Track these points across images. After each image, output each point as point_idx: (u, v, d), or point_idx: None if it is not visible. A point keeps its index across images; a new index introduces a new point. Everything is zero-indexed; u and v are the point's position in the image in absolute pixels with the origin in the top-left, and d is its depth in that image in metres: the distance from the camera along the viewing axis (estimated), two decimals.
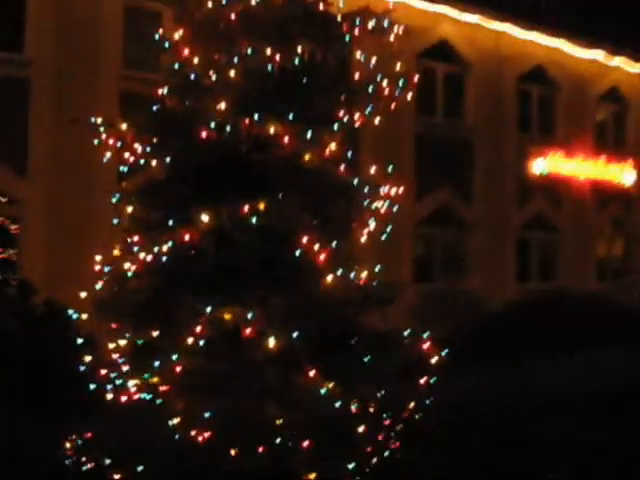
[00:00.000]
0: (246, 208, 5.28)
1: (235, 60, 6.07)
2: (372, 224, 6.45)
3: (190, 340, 5.09)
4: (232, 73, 6.05)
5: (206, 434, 5.09)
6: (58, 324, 8.81)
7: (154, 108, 6.48)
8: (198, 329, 5.06)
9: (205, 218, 5.27)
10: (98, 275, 6.29)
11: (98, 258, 6.32)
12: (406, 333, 6.36)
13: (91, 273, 6.40)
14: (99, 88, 14.05)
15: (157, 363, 5.27)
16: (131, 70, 14.66)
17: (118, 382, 6.06)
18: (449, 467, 6.61)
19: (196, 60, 6.28)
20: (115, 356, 6.19)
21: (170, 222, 5.37)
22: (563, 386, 9.09)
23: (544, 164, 21.45)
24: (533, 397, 8.65)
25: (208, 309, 5.14)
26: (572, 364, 9.87)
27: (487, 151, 20.28)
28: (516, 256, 21.02)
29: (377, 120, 6.74)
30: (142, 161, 6.26)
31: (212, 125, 5.57)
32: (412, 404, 6.06)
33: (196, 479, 5.11)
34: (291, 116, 5.70)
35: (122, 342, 6.13)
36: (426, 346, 6.28)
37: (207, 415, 5.10)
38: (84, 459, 5.75)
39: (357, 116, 6.50)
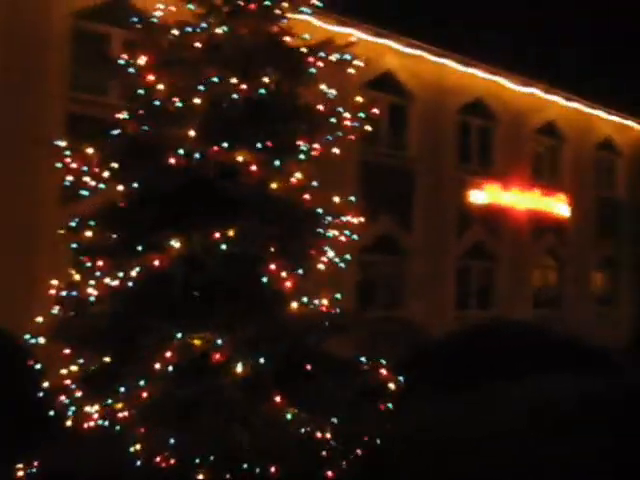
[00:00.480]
0: (217, 235, 5.31)
1: (201, 88, 6.13)
2: (331, 252, 6.56)
3: (158, 365, 5.08)
4: (198, 100, 6.11)
5: (171, 460, 5.06)
6: (6, 349, 8.62)
7: (114, 132, 6.49)
8: (168, 354, 5.06)
9: (176, 244, 5.28)
10: (54, 299, 6.23)
11: (54, 282, 6.27)
12: (363, 360, 6.46)
13: (42, 297, 6.34)
14: (46, 110, 13.87)
15: (122, 389, 5.23)
16: (79, 92, 14.52)
17: (72, 409, 5.99)
18: None
19: (161, 86, 6.32)
20: (68, 382, 6.14)
21: (139, 247, 5.36)
22: (508, 412, 9.32)
23: (483, 195, 21.96)
24: (479, 426, 8.83)
25: (177, 334, 5.14)
26: (517, 390, 10.11)
27: (428, 181, 20.66)
28: (455, 284, 21.39)
29: (337, 150, 6.88)
30: (102, 185, 6.26)
31: (181, 152, 5.60)
32: (370, 431, 6.14)
33: None
34: (259, 145, 5.77)
35: (74, 368, 6.09)
36: (384, 373, 6.40)
37: (172, 441, 5.07)
38: None
39: (317, 146, 6.63)
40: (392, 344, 13.26)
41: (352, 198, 6.44)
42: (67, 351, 6.16)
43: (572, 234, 24.87)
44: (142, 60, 6.54)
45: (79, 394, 5.95)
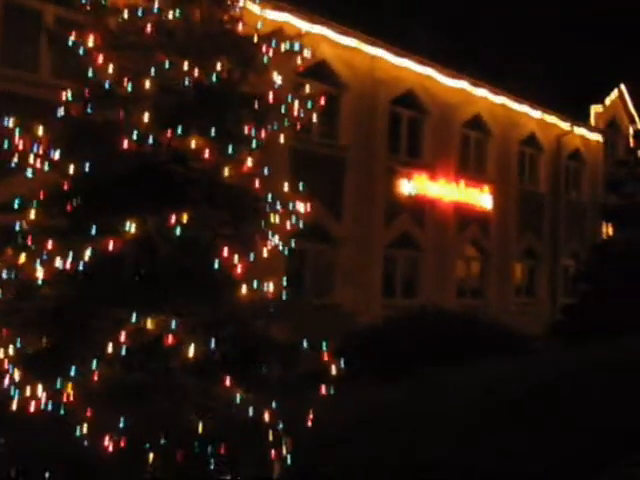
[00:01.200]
0: (172, 219, 5.37)
1: (152, 72, 6.14)
2: (276, 239, 6.66)
3: (110, 348, 5.11)
4: (148, 85, 6.11)
5: (120, 442, 5.12)
6: None
7: (59, 113, 6.43)
8: (122, 337, 5.10)
9: (131, 227, 5.31)
10: None
11: None
12: (305, 344, 6.59)
13: None
14: None
15: (72, 371, 5.23)
16: (9, 69, 14.21)
17: (16, 392, 5.95)
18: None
19: (110, 69, 6.30)
20: (6, 365, 6.09)
21: (92, 229, 5.36)
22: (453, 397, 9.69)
23: (411, 185, 22.37)
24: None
25: (132, 317, 5.18)
26: (452, 376, 10.48)
27: (358, 170, 20.95)
28: (382, 273, 21.76)
29: (282, 139, 6.99)
30: (46, 167, 6.21)
31: (134, 136, 5.62)
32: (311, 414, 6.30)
33: None
34: (213, 131, 5.83)
35: (13, 349, 6.04)
36: (325, 357, 6.55)
37: (121, 424, 5.12)
38: None
39: (263, 133, 6.72)
40: (323, 330, 13.42)
41: (300, 185, 6.55)
42: (6, 333, 6.10)
43: (495, 226, 25.61)
44: (90, 41, 6.49)
45: (21, 377, 5.92)
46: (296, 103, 6.71)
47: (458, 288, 24.36)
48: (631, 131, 29.81)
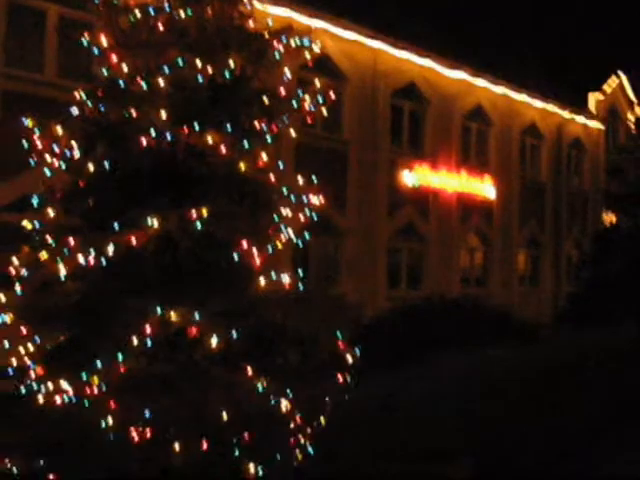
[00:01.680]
0: (192, 214, 5.49)
1: (166, 70, 6.25)
2: (290, 231, 6.78)
3: (135, 340, 5.24)
4: (162, 82, 6.23)
5: (147, 432, 5.25)
6: None
7: (74, 112, 6.55)
8: (147, 329, 5.22)
9: (153, 222, 5.42)
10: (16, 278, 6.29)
11: (16, 261, 6.32)
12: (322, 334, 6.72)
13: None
14: None
15: (98, 363, 5.36)
16: (13, 69, 14.30)
17: (36, 386, 6.09)
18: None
19: (124, 67, 6.41)
20: (28, 360, 6.24)
21: (115, 225, 5.48)
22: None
23: (414, 176, 22.47)
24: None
25: (154, 310, 5.30)
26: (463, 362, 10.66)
27: (361, 162, 21.06)
28: (386, 264, 21.88)
29: (292, 132, 7.10)
30: (63, 166, 6.33)
31: (152, 133, 5.73)
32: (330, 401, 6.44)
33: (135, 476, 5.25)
34: (228, 127, 5.95)
35: (31, 347, 6.18)
36: (341, 346, 6.69)
37: (148, 414, 5.25)
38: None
39: (275, 128, 6.84)
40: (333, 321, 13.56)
41: (314, 178, 6.67)
42: (28, 329, 6.23)
43: (498, 215, 25.72)
44: (104, 41, 6.61)
45: (44, 372, 6.05)
46: (307, 97, 6.83)
47: (462, 278, 24.48)
48: (632, 118, 29.88)
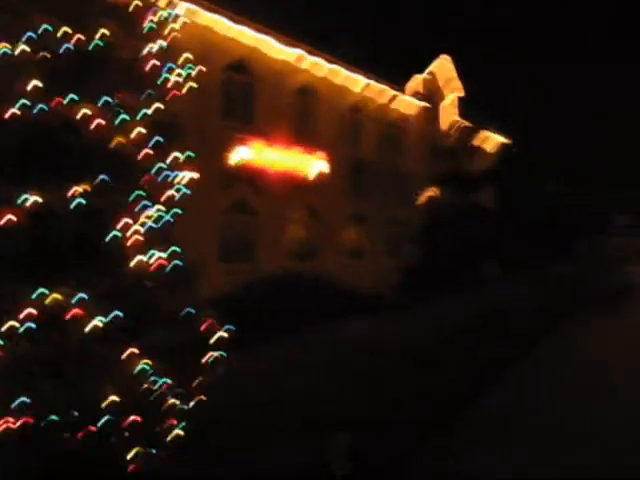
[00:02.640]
0: (73, 189, 5.23)
1: (32, 35, 5.88)
2: (155, 208, 6.62)
3: (16, 323, 4.95)
4: (27, 49, 5.86)
5: (27, 419, 4.99)
6: None
7: None
8: (29, 311, 4.94)
9: (30, 198, 5.11)
10: None
11: None
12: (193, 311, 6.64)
13: None
14: None
15: None
16: None
17: None
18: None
19: None
20: None
21: None
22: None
23: (245, 152, 22.46)
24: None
25: (38, 290, 5.02)
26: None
27: (193, 136, 20.72)
28: (220, 239, 21.79)
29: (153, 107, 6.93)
30: None
31: (22, 104, 5.39)
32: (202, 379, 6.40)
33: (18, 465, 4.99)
34: (101, 100, 5.71)
35: None
36: (212, 322, 6.65)
37: (28, 400, 4.99)
38: None
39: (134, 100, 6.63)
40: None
41: (191, 154, 6.56)
42: None
43: (327, 191, 26.23)
44: None
45: None
46: (178, 70, 6.69)
47: (293, 252, 24.83)
48: (451, 100, 31.47)
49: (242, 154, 22.36)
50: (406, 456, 7.68)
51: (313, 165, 25.44)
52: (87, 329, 5.22)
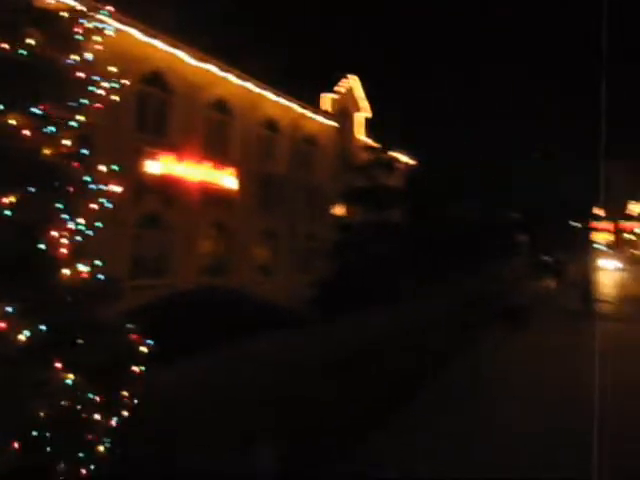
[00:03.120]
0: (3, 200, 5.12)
1: None
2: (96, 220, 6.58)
3: None
4: None
5: None
6: None
7: None
8: None
9: None
10: None
11: None
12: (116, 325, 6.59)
13: None
14: None
15: None
16: None
17: None
18: None
19: None
20: None
21: None
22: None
23: (158, 165, 22.25)
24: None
25: None
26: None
27: (106, 148, 20.37)
28: (130, 253, 21.45)
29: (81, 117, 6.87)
30: None
31: None
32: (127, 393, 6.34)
33: None
34: (33, 110, 5.63)
35: None
36: (134, 337, 6.61)
37: None
38: None
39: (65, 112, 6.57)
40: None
41: (116, 167, 6.52)
42: None
43: (239, 207, 26.24)
44: None
45: None
46: (105, 83, 6.66)
47: (205, 267, 24.70)
48: (359, 119, 32.00)
49: (154, 168, 22.13)
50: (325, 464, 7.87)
51: (226, 180, 25.41)
52: (15, 343, 5.11)
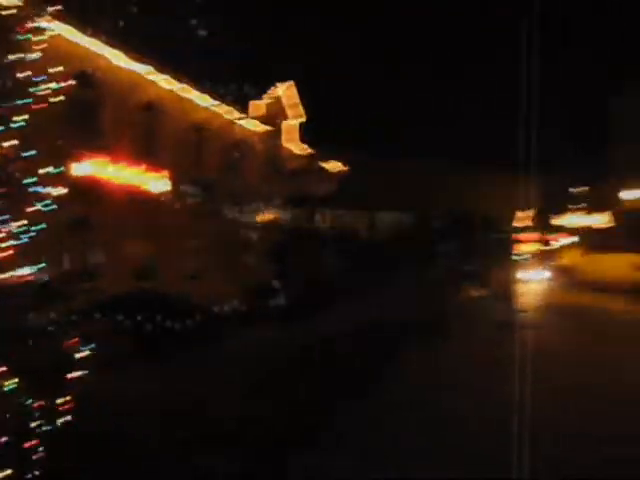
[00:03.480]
0: None
1: None
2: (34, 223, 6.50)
3: None
4: None
5: None
6: None
7: None
8: None
9: None
10: None
11: None
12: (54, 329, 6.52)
13: None
14: None
15: None
16: None
17: None
18: None
19: None
20: None
21: None
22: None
23: (88, 167, 21.88)
24: None
25: None
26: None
27: (36, 149, 19.98)
28: (57, 256, 21.01)
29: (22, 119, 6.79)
30: None
31: None
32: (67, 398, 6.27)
33: None
34: None
35: None
36: (73, 341, 6.55)
37: None
38: None
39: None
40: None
41: (61, 169, 6.45)
42: None
43: (171, 211, 25.99)
44: None
45: None
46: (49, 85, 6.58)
47: (136, 271, 24.35)
48: (294, 125, 32.11)
49: (84, 169, 21.74)
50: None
51: (156, 183, 25.14)
52: None
